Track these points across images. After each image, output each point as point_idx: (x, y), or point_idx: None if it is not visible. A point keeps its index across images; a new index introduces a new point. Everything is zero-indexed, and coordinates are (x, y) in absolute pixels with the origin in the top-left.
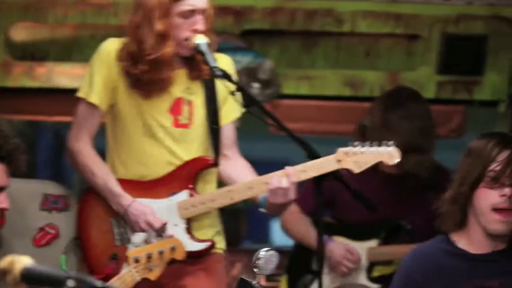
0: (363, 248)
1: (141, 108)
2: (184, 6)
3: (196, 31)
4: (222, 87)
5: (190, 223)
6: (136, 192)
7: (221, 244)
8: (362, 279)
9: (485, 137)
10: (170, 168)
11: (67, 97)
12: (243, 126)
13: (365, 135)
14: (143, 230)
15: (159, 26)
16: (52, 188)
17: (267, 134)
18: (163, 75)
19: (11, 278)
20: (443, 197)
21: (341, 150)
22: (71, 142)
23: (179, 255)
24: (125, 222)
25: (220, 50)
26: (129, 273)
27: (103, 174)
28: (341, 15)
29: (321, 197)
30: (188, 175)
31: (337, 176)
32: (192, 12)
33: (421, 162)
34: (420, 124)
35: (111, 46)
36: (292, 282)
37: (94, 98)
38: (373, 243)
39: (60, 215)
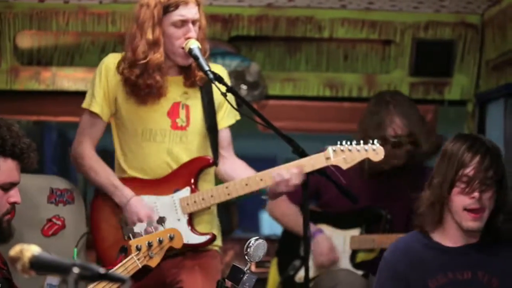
0: (347, 236)
1: (140, 114)
2: (175, 17)
3: (189, 39)
4: (218, 93)
5: (191, 218)
6: (142, 190)
7: (218, 241)
8: (346, 264)
9: (459, 140)
10: (170, 169)
11: (70, 99)
12: (234, 125)
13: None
14: (141, 221)
15: (149, 35)
16: (58, 182)
17: (256, 132)
18: (154, 80)
19: (20, 265)
20: (422, 197)
21: (330, 148)
22: (75, 147)
23: (177, 244)
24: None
25: (210, 55)
26: (131, 261)
27: (105, 172)
28: (321, 22)
29: (307, 189)
30: (190, 173)
31: (322, 171)
32: (183, 22)
33: (414, 154)
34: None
35: (110, 60)
36: (282, 265)
37: (95, 108)
38: (355, 231)
39: (66, 208)
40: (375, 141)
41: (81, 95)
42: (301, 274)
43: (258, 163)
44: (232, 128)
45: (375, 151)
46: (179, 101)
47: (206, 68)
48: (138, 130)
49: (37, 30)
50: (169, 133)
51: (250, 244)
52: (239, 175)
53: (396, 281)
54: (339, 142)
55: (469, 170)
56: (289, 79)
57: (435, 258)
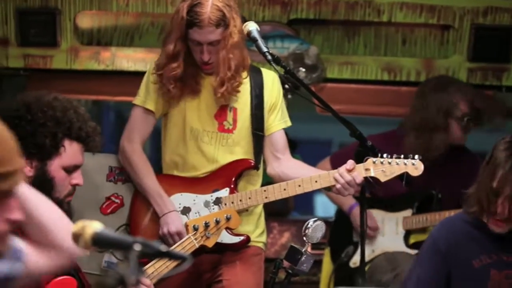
0: (399, 218)
1: (189, 114)
2: (190, 36)
3: (201, 60)
4: (269, 96)
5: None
6: (182, 187)
7: (261, 238)
8: (400, 246)
9: (507, 149)
10: (212, 169)
11: (129, 79)
12: (292, 108)
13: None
14: (170, 234)
15: (170, 46)
16: (116, 161)
17: (312, 115)
18: (169, 89)
19: (82, 242)
20: (471, 191)
21: (370, 159)
22: (125, 142)
23: (234, 224)
24: None
25: (270, 37)
26: (188, 240)
27: (152, 178)
28: (379, 6)
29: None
30: (230, 174)
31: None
32: (197, 42)
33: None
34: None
35: None
36: (335, 254)
37: (149, 105)
38: (407, 212)
39: (124, 186)
40: (416, 156)
41: (140, 75)
42: (355, 259)
43: (314, 145)
44: (290, 110)
45: (414, 166)
46: (226, 103)
47: (265, 49)
48: (186, 130)
49: (97, 10)
50: (215, 135)
51: (309, 225)
52: (296, 175)
53: (435, 256)
54: (379, 155)
55: (501, 175)
56: (347, 63)
57: (480, 239)
